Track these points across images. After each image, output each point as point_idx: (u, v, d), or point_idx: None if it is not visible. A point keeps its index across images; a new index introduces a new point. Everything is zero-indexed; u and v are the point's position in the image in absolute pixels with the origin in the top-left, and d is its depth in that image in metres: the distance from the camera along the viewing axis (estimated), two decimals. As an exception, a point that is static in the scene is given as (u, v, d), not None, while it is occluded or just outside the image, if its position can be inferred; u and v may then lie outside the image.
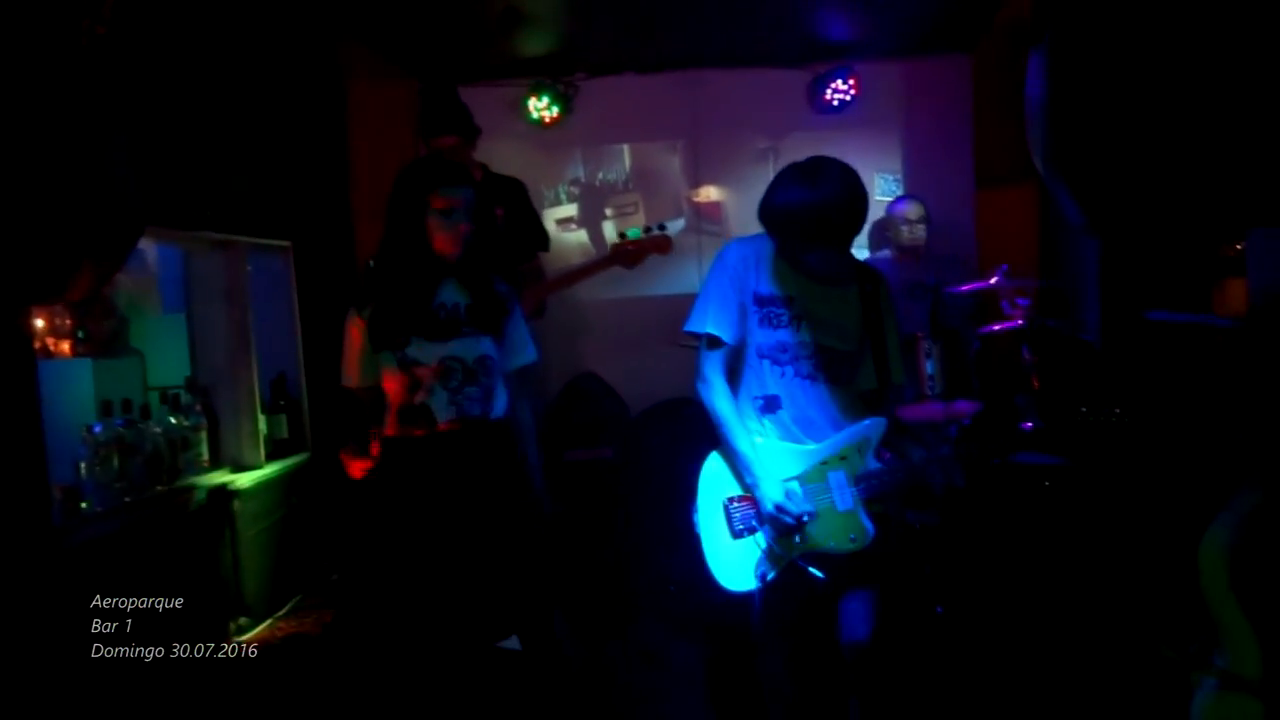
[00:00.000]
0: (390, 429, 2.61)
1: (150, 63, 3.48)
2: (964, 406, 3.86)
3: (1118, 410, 2.34)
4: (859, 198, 2.46)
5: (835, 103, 5.49)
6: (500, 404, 2.64)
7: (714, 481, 2.61)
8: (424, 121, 4.22)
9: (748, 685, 2.87)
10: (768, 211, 2.51)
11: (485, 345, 2.60)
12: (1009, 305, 3.94)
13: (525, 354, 2.77)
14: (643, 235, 4.01)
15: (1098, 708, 2.99)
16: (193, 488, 3.62)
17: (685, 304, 2.71)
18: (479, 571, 2.57)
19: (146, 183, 2.46)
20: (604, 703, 3.35)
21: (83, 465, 3.23)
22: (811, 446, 2.56)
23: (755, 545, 2.52)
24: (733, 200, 5.79)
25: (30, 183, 1.74)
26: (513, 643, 3.11)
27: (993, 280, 4.01)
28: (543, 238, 4.48)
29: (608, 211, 5.77)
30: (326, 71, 5.14)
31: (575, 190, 5.82)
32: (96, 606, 2.88)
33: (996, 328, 3.97)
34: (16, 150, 1.70)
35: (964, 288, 4.22)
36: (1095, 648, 3.27)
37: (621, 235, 4.07)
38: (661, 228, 4.03)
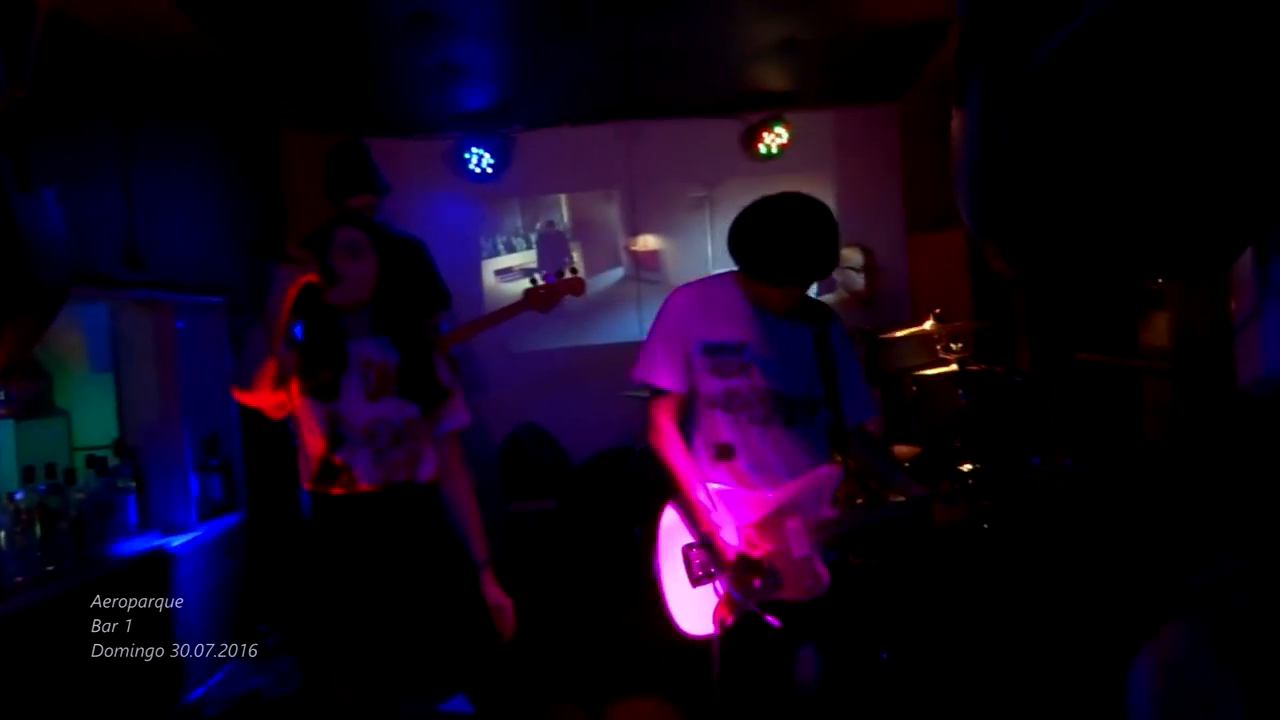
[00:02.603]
0: (308, 483, 2.51)
1: (74, 116, 3.43)
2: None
3: (1068, 462, 2.37)
4: (834, 235, 2.48)
5: (767, 151, 5.59)
6: (427, 467, 2.54)
7: (673, 529, 2.61)
8: (332, 181, 4.02)
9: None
10: (743, 247, 2.51)
11: (413, 409, 2.51)
12: (943, 349, 4.01)
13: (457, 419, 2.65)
14: (555, 279, 3.93)
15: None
16: (120, 554, 3.50)
17: (626, 352, 2.74)
18: (414, 634, 2.49)
19: (71, 240, 2.40)
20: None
21: (3, 534, 3.11)
22: (767, 494, 2.56)
23: (713, 592, 2.52)
24: (670, 248, 5.84)
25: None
26: (460, 703, 3.03)
27: (927, 325, 4.09)
28: (441, 296, 4.35)
29: (546, 261, 5.77)
30: (260, 124, 5.10)
31: (514, 241, 5.82)
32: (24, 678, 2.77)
33: (931, 371, 4.04)
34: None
35: (899, 333, 4.30)
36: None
37: (533, 280, 3.99)
38: (574, 270, 3.96)
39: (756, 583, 2.47)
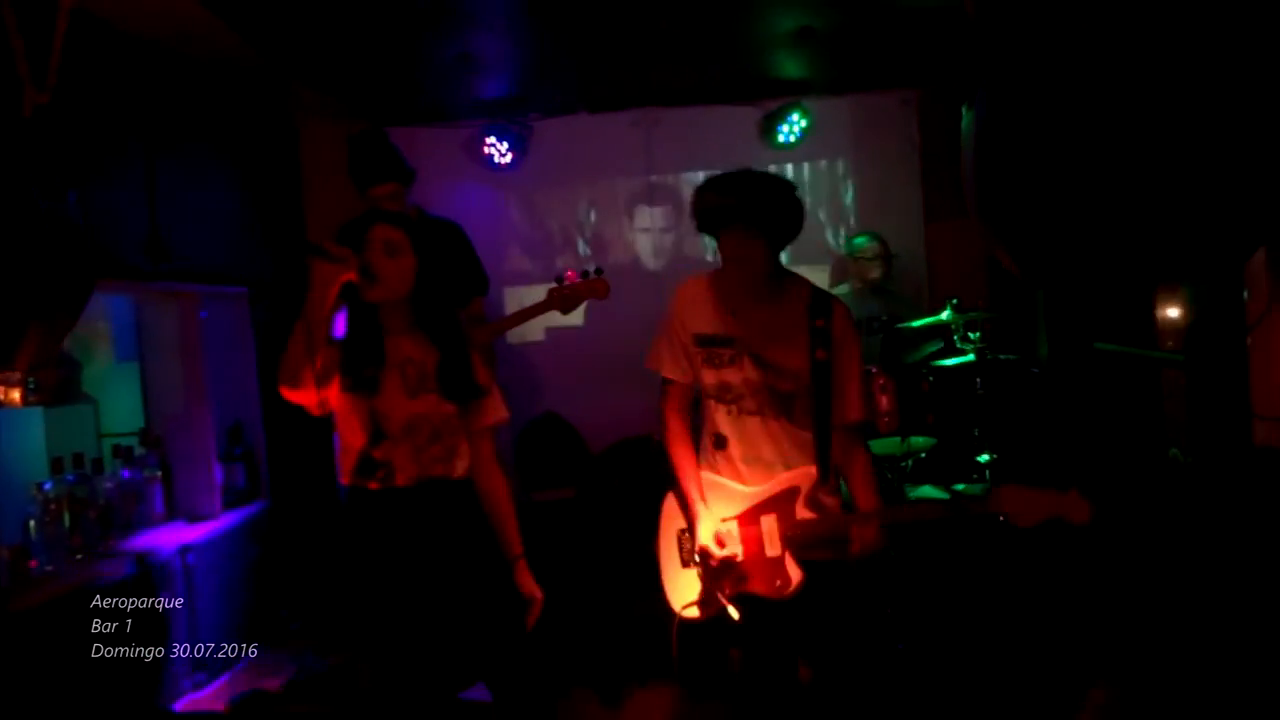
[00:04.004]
0: (345, 478, 2.55)
1: (97, 111, 3.47)
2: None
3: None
4: (766, 179, 2.64)
5: (785, 138, 5.56)
6: (462, 462, 2.57)
7: (672, 513, 2.76)
8: (357, 170, 3.98)
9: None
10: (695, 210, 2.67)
11: (451, 405, 2.53)
12: (961, 339, 4.01)
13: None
14: (579, 279, 3.88)
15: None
16: (146, 543, 3.56)
17: (645, 340, 2.79)
18: (440, 625, 2.52)
19: (96, 234, 2.44)
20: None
21: (33, 523, 3.18)
22: (750, 489, 2.62)
23: (696, 577, 2.66)
24: (687, 236, 5.82)
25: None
26: (480, 692, 3.08)
27: (944, 314, 4.08)
28: (481, 281, 4.41)
29: (564, 251, 5.78)
30: (278, 113, 5.14)
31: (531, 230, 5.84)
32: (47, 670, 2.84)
33: (949, 361, 4.03)
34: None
35: (916, 322, 4.29)
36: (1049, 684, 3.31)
37: (557, 279, 3.94)
38: (599, 271, 3.92)
39: (723, 577, 2.59)
